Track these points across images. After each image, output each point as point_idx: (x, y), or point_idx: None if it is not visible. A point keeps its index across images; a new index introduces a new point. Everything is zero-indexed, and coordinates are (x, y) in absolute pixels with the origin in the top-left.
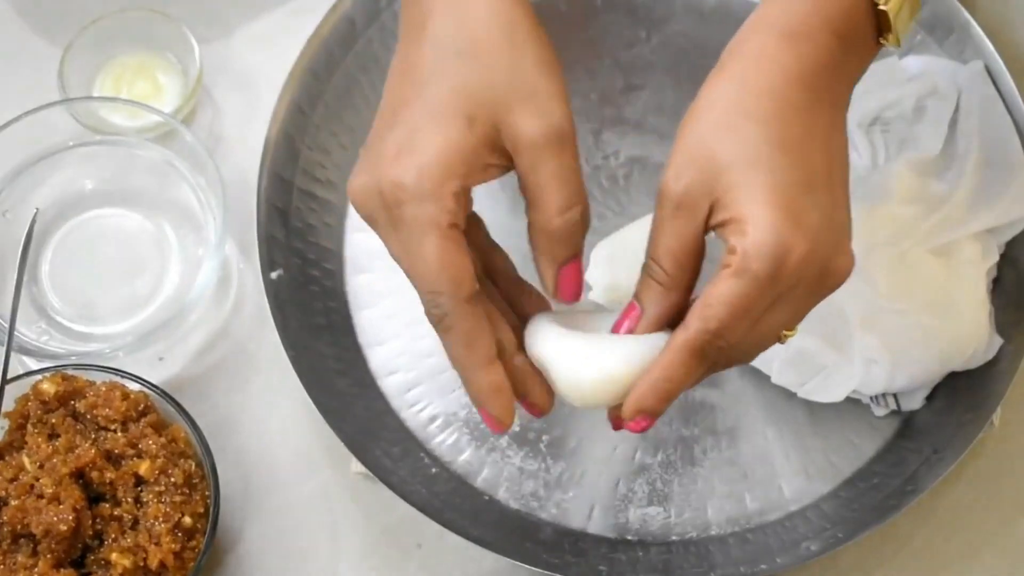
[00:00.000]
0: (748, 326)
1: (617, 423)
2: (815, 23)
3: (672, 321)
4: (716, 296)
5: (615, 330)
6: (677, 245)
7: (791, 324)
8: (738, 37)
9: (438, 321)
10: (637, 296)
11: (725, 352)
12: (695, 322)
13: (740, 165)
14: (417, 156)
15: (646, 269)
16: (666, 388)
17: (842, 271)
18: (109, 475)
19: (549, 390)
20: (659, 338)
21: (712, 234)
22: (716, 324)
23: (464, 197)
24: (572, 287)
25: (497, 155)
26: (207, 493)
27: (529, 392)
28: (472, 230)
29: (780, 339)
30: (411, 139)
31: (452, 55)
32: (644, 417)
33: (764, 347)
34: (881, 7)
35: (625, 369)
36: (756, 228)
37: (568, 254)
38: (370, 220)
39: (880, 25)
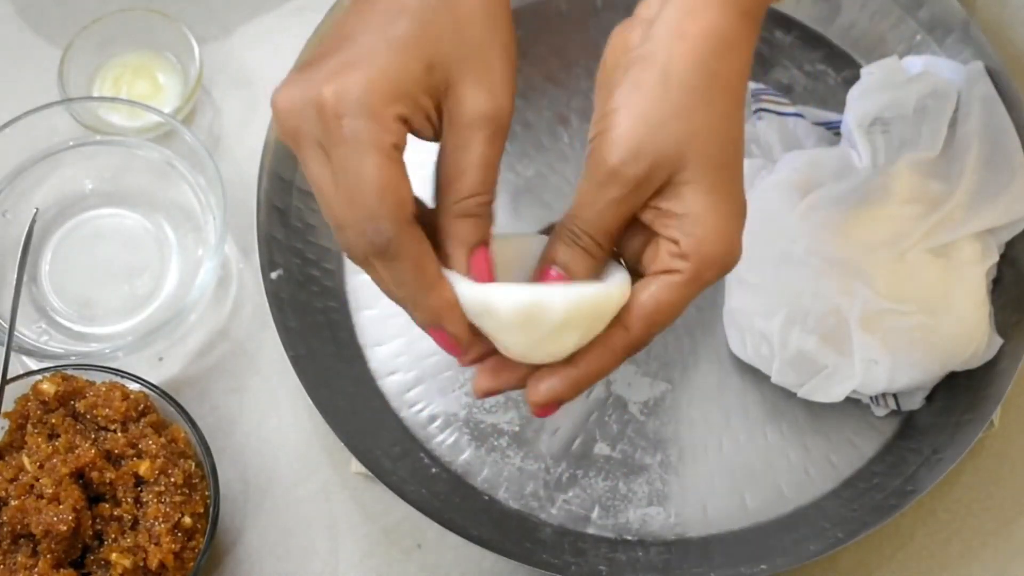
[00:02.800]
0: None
1: (534, 407)
2: (760, 3)
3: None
4: (666, 302)
5: None
6: (617, 223)
7: None
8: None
9: (380, 250)
10: (564, 265)
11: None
12: (639, 326)
13: (700, 161)
14: (366, 71)
15: (574, 239)
16: (588, 382)
17: (738, 258)
18: (109, 475)
19: (467, 324)
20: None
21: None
22: (659, 328)
23: (407, 127)
24: (485, 271)
25: (435, 113)
26: (207, 493)
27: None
28: None
29: None
30: (362, 56)
31: (429, 2)
32: (556, 406)
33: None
34: None
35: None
36: (712, 237)
37: (479, 237)
38: (296, 136)
39: None
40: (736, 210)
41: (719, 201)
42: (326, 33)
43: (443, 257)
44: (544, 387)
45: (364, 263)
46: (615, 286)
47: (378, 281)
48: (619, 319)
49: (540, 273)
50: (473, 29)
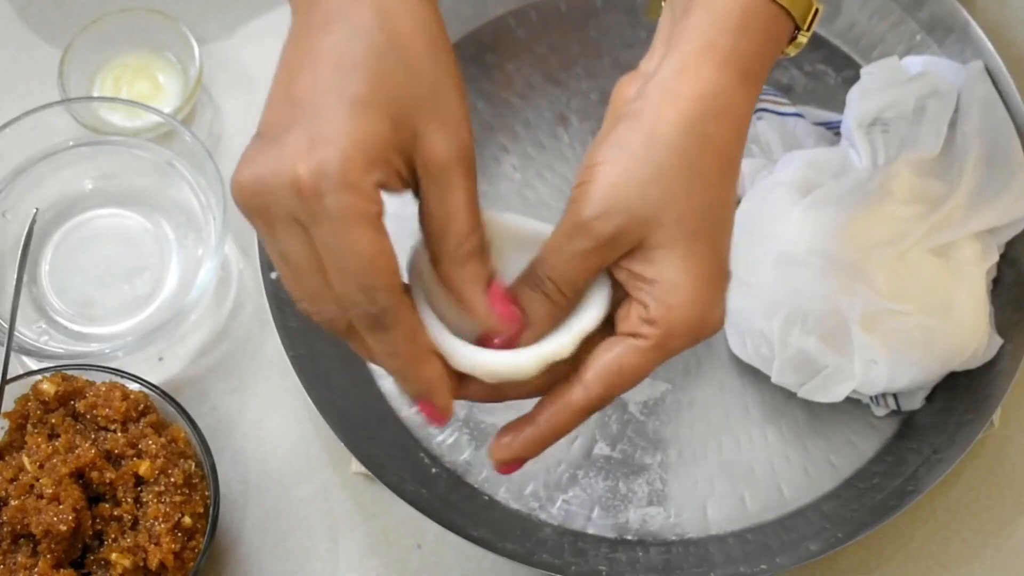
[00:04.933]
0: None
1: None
2: (765, 63)
3: None
4: (629, 367)
5: (492, 335)
6: (583, 278)
7: None
8: (674, 50)
9: (375, 320)
10: (524, 308)
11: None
12: (599, 388)
13: (676, 227)
14: (338, 143)
15: (540, 285)
16: (549, 440)
17: (717, 326)
18: (109, 475)
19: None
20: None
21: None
22: (619, 391)
23: (385, 190)
24: (509, 309)
25: (407, 168)
26: (207, 493)
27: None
28: None
29: None
30: (328, 126)
31: (378, 49)
32: (519, 464)
33: None
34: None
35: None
36: (682, 307)
37: (489, 273)
38: (266, 214)
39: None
40: (713, 277)
41: (693, 269)
42: (273, 92)
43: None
44: (503, 444)
45: (347, 335)
46: (574, 330)
47: (362, 351)
48: (580, 376)
49: (504, 314)
50: (425, 70)
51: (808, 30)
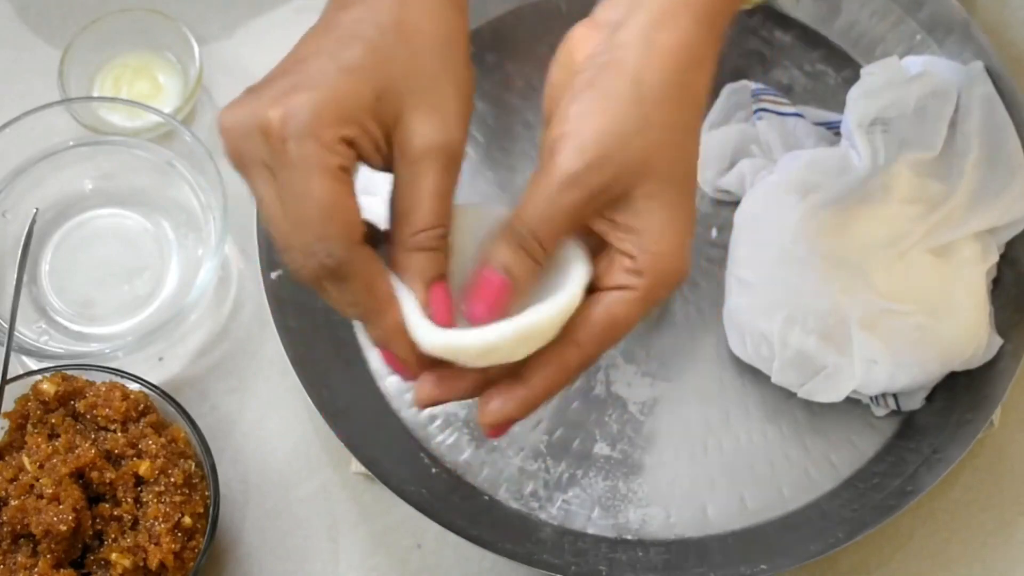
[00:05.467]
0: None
1: (484, 423)
2: (726, 16)
3: None
4: (621, 319)
5: (481, 300)
6: (566, 229)
7: None
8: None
9: (331, 271)
10: (505, 267)
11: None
12: (592, 345)
13: (663, 176)
14: (312, 93)
15: (519, 240)
16: (540, 400)
17: (686, 274)
18: (109, 475)
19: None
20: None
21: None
22: (611, 344)
23: (355, 151)
24: (444, 309)
25: (384, 143)
26: (207, 493)
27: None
28: None
29: None
30: (310, 80)
31: (385, 27)
32: (508, 426)
33: None
34: None
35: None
36: (668, 255)
37: (436, 272)
38: (242, 158)
39: None
40: (689, 226)
41: (676, 217)
42: (291, 50)
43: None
44: (494, 407)
45: (315, 284)
46: (567, 296)
47: (330, 301)
48: (571, 335)
49: (478, 273)
50: (427, 60)
51: None
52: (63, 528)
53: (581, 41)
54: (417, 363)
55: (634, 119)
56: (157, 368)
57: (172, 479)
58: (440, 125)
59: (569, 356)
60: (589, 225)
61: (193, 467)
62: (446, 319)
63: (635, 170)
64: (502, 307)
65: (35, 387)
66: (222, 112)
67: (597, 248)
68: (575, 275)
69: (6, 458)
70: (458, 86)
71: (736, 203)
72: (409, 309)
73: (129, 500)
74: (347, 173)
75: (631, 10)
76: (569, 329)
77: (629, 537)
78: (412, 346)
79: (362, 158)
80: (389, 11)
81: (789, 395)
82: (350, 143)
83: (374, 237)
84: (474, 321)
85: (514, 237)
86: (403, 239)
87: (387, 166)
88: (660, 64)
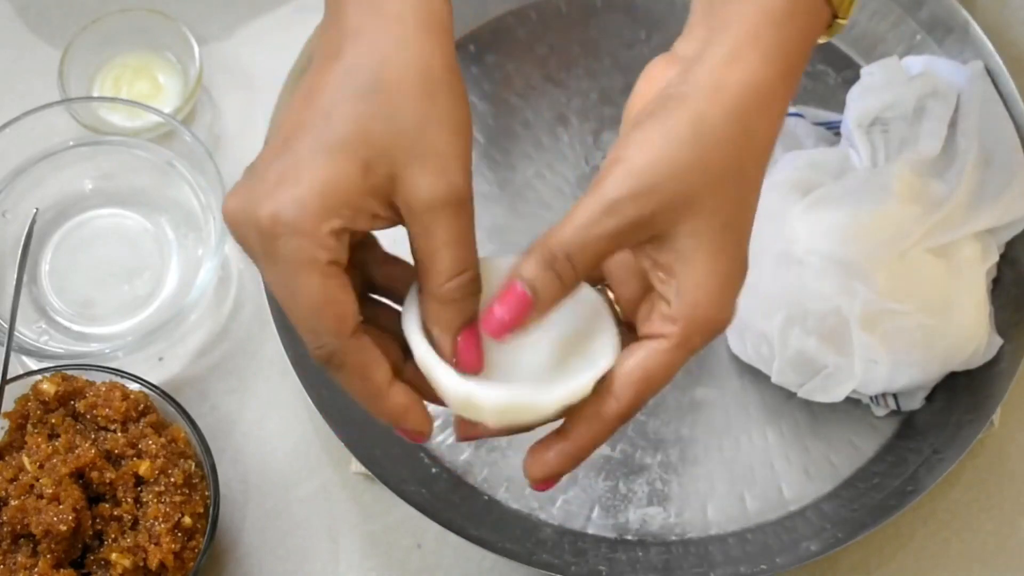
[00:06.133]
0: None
1: (536, 482)
2: (792, 36)
3: None
4: (655, 371)
5: (500, 314)
6: (599, 257)
7: None
8: (717, 30)
9: (326, 360)
10: (531, 286)
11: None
12: (629, 396)
13: (710, 218)
14: (298, 188)
15: (550, 260)
16: (584, 453)
17: (729, 322)
18: (109, 475)
19: (429, 417)
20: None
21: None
22: (650, 395)
23: (346, 236)
24: (473, 357)
25: (386, 208)
26: (207, 493)
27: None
28: (368, 250)
29: None
30: (296, 169)
31: (362, 91)
32: (555, 480)
33: None
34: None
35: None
36: (707, 304)
37: (462, 321)
38: (245, 247)
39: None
40: (736, 274)
41: (719, 265)
42: (276, 124)
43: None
44: (540, 465)
45: (323, 367)
46: (599, 368)
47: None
48: (608, 388)
49: (505, 288)
50: (408, 112)
51: (845, 18)
52: (63, 528)
53: (658, 73)
54: (431, 429)
55: (688, 155)
56: (157, 368)
57: (172, 479)
58: (440, 173)
59: (607, 409)
60: (635, 261)
61: (193, 467)
62: (469, 365)
63: (681, 207)
64: (521, 321)
65: (35, 387)
66: (226, 199)
67: (638, 295)
68: (601, 342)
69: (6, 458)
70: (450, 125)
71: None
72: (435, 361)
73: (129, 500)
74: (337, 267)
75: (706, 45)
76: (607, 380)
77: (629, 537)
78: (425, 416)
79: (362, 233)
80: (364, 66)
81: (789, 395)
82: (339, 233)
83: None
84: (490, 329)
85: (545, 254)
86: (431, 292)
87: (392, 225)
88: (725, 104)
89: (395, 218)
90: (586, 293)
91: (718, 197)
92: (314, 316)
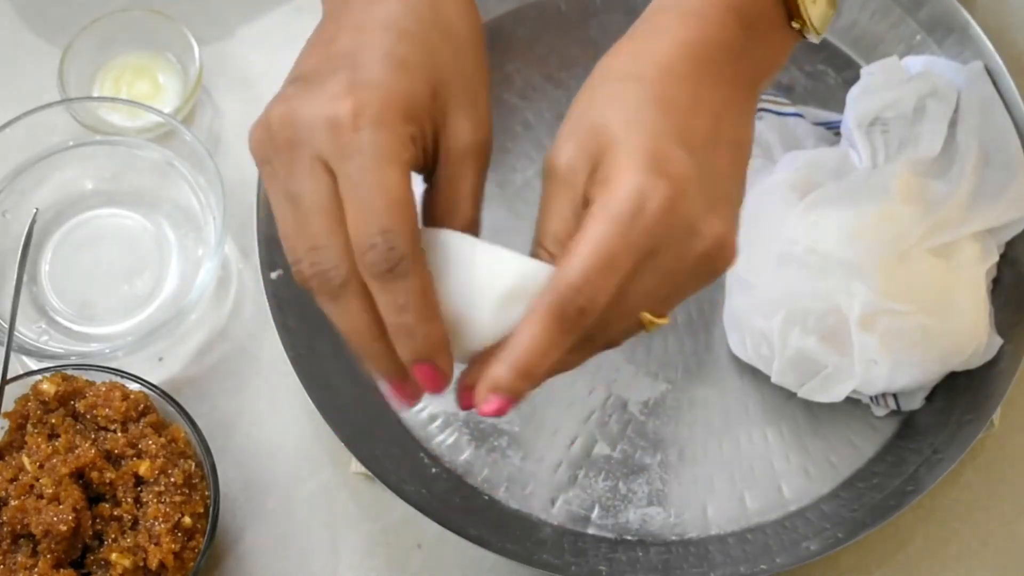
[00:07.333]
0: (613, 285)
1: (466, 399)
2: (715, 3)
3: None
4: (576, 243)
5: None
6: (562, 228)
7: (659, 299)
8: (640, 18)
9: (392, 266)
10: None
11: (590, 316)
12: (557, 280)
13: (616, 126)
14: (382, 89)
15: (535, 255)
16: (527, 361)
17: (713, 235)
18: (109, 475)
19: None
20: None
21: None
22: (577, 275)
23: (418, 148)
24: (435, 380)
25: (431, 141)
26: (207, 493)
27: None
28: None
29: (645, 325)
30: (373, 75)
31: (426, 24)
32: (500, 397)
33: (631, 326)
34: None
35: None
36: (620, 174)
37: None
38: (291, 149)
39: (790, 11)
40: (653, 149)
41: (637, 148)
42: (307, 51)
43: None
44: (488, 380)
45: (338, 290)
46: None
47: (342, 315)
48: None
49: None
50: (467, 57)
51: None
52: (63, 528)
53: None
54: (451, 376)
55: (597, 96)
56: (157, 368)
57: (172, 479)
58: (478, 124)
59: (558, 280)
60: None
61: (193, 467)
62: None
63: (589, 137)
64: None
65: (35, 387)
66: (271, 106)
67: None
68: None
69: (6, 458)
70: (487, 82)
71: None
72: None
73: (129, 500)
74: (410, 169)
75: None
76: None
77: (629, 537)
78: (451, 357)
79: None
80: (429, 7)
81: (789, 395)
82: (416, 141)
83: None
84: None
85: (537, 248)
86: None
87: (423, 168)
88: (633, 48)
89: (428, 159)
90: (447, 236)
91: (630, 113)
92: (393, 213)
